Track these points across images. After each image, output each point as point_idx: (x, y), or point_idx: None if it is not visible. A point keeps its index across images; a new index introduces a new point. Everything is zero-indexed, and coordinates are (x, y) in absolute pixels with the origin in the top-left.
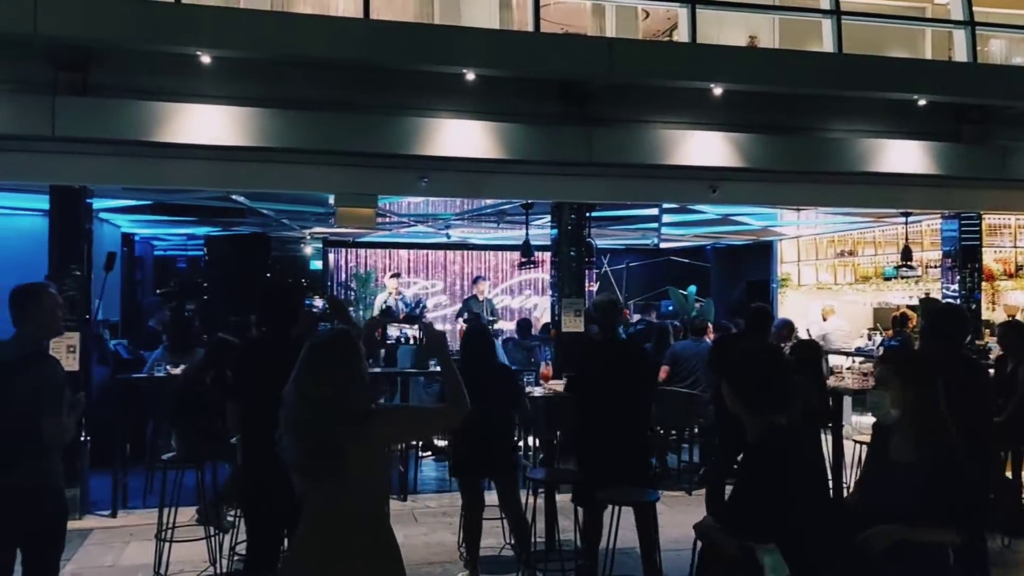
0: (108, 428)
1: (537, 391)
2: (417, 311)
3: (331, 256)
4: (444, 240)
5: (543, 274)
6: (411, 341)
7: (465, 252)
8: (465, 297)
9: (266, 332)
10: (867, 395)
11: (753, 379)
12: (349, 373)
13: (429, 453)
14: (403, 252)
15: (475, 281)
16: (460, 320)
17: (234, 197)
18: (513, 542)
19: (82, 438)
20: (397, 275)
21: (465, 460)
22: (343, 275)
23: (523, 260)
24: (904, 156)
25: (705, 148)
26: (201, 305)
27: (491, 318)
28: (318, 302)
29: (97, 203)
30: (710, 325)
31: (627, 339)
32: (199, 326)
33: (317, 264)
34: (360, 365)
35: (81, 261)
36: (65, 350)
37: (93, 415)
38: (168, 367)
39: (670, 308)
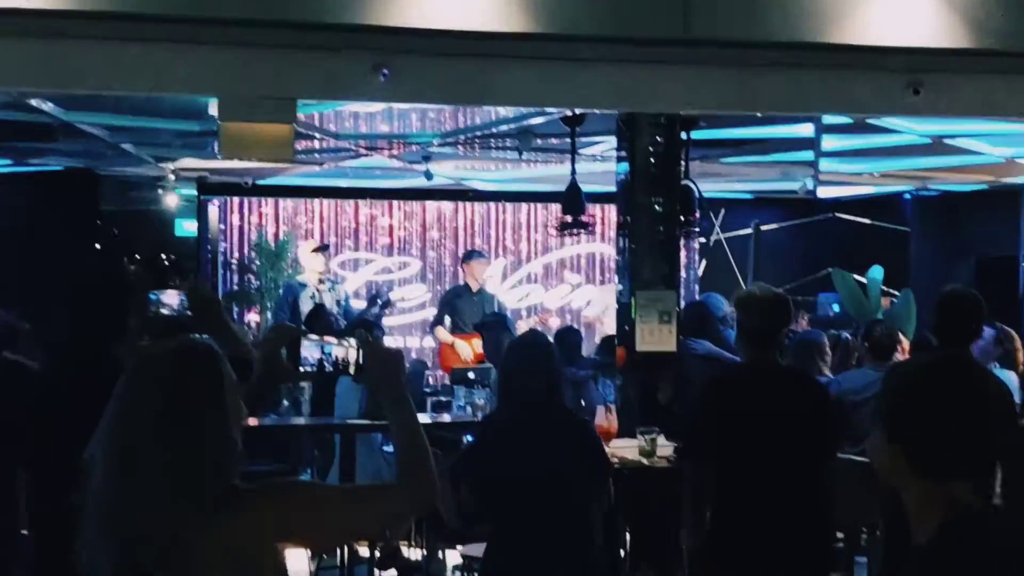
0: None
1: None
2: (375, 310)
3: (213, 211)
4: (420, 184)
5: (603, 246)
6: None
7: (459, 206)
8: (448, 288)
9: (64, 351)
10: None
11: (929, 421)
12: (207, 420)
13: (389, 570)
14: (345, 206)
15: (465, 259)
16: (438, 330)
17: (35, 103)
18: None
19: None
20: (323, 247)
21: None
22: (235, 246)
23: (565, 220)
24: None
25: (899, 16)
26: None
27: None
28: (171, 298)
29: None
30: (903, 340)
31: (793, 367)
32: None
33: (188, 226)
34: (231, 405)
35: None
36: None
37: None
38: None
39: (834, 308)
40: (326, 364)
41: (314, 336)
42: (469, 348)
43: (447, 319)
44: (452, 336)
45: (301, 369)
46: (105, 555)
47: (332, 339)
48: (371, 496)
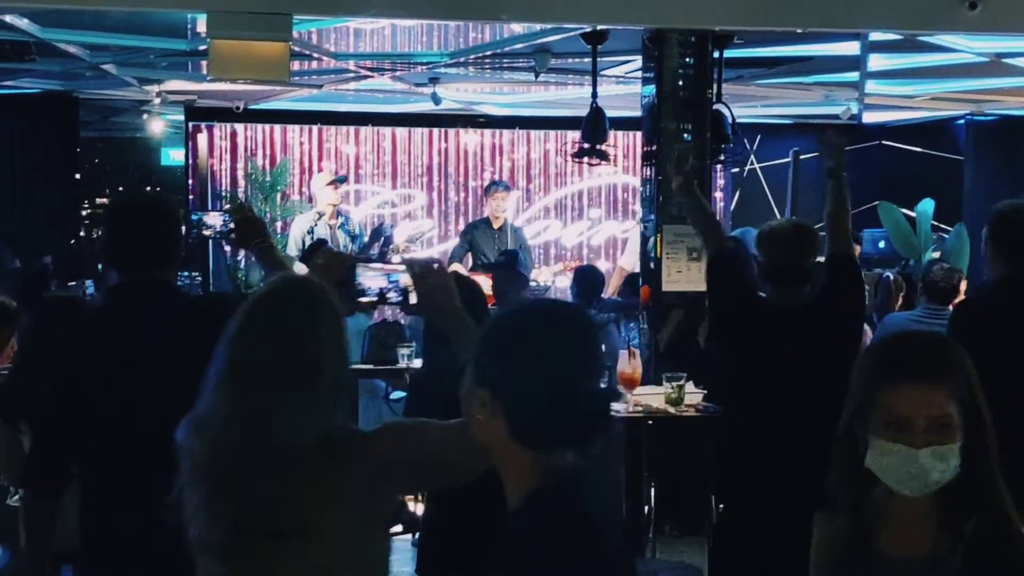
0: None
1: (615, 408)
2: (377, 246)
3: (202, 138)
4: (427, 109)
5: (626, 177)
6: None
7: (470, 134)
8: (468, 223)
9: (111, 282)
10: None
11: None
12: (324, 361)
13: (398, 528)
14: (345, 133)
15: (488, 190)
16: (453, 267)
17: (8, 19)
18: None
19: None
20: (341, 180)
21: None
22: (226, 175)
23: (584, 147)
24: None
25: None
26: None
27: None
28: (213, 219)
29: None
30: (963, 281)
31: (825, 302)
32: None
33: (175, 154)
34: (345, 346)
35: None
36: None
37: None
38: None
39: (880, 245)
40: (393, 294)
41: (377, 264)
42: (488, 286)
43: (467, 254)
44: (468, 273)
45: (364, 300)
46: (213, 513)
47: (399, 266)
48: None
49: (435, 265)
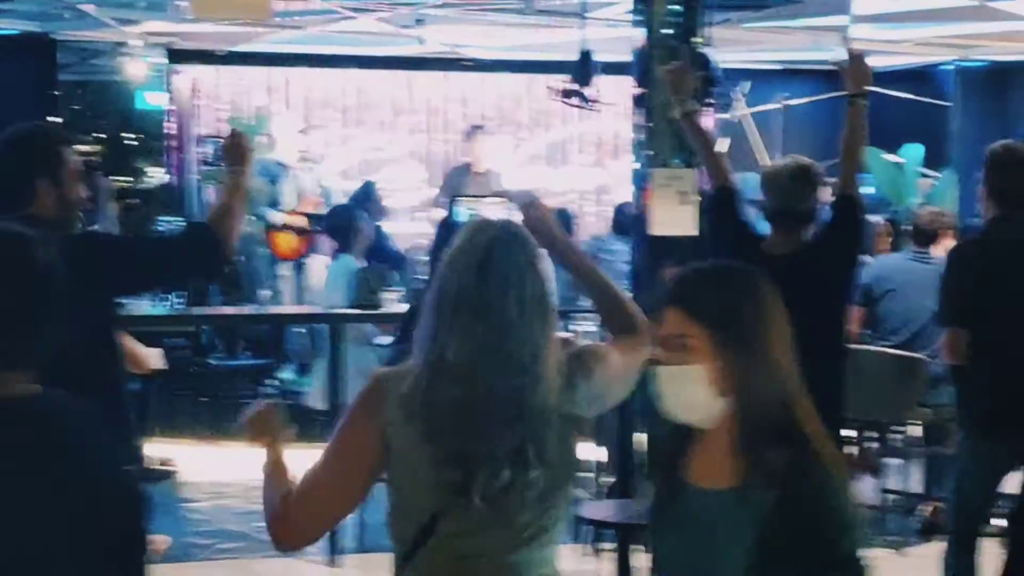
0: None
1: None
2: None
3: (183, 81)
4: (413, 52)
5: (616, 122)
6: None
7: (451, 79)
8: (451, 169)
9: None
10: None
11: None
12: (549, 295)
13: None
14: (329, 76)
15: (470, 135)
16: (435, 213)
17: None
18: None
19: None
20: (310, 128)
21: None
22: (209, 120)
23: (568, 88)
24: None
25: None
26: None
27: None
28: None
29: None
30: (954, 225)
31: (821, 245)
32: None
33: (156, 99)
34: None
35: None
36: None
37: None
38: None
39: (868, 190)
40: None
41: (474, 198)
42: None
43: (451, 200)
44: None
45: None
46: (467, 456)
47: (497, 200)
48: (633, 349)
49: (534, 198)
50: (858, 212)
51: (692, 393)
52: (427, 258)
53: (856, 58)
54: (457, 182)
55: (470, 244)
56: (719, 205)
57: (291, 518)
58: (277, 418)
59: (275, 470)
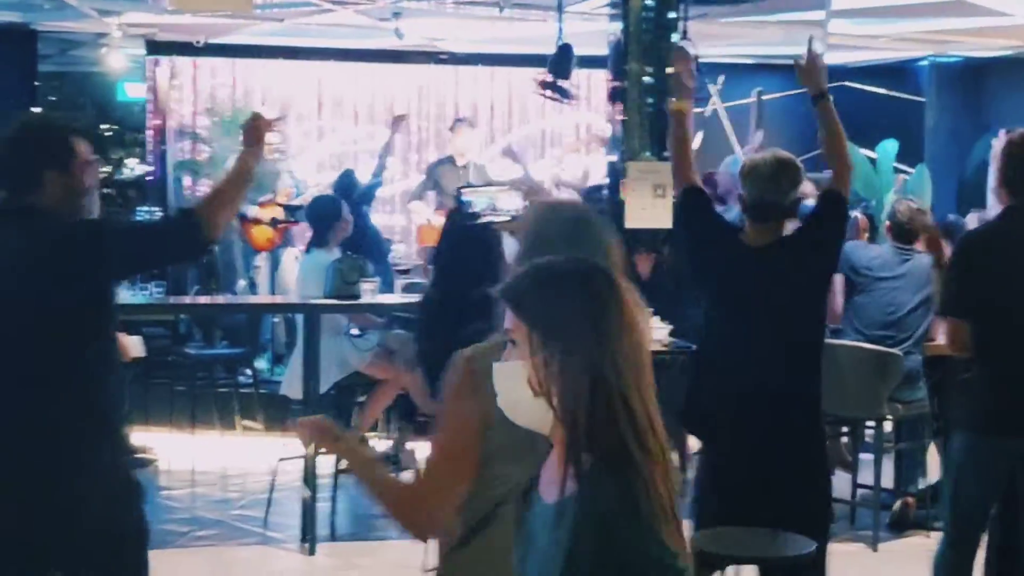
0: None
1: None
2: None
3: (162, 73)
4: (390, 45)
5: (590, 115)
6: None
7: (433, 69)
8: (432, 162)
9: None
10: None
11: None
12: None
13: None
14: (307, 68)
15: (454, 127)
16: (412, 205)
17: None
18: None
19: None
20: (279, 119)
21: None
22: (187, 112)
23: (547, 81)
24: None
25: None
26: None
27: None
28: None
29: None
30: (930, 223)
31: (799, 239)
32: None
33: (135, 90)
34: None
35: None
36: None
37: None
38: None
39: None
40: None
41: (483, 187)
42: None
43: (429, 194)
44: (431, 212)
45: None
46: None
47: (504, 187)
48: None
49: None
50: (844, 208)
51: (514, 392)
52: (433, 249)
53: (810, 59)
54: (439, 174)
55: (553, 223)
56: (691, 204)
57: (424, 505)
58: (327, 426)
59: (362, 467)
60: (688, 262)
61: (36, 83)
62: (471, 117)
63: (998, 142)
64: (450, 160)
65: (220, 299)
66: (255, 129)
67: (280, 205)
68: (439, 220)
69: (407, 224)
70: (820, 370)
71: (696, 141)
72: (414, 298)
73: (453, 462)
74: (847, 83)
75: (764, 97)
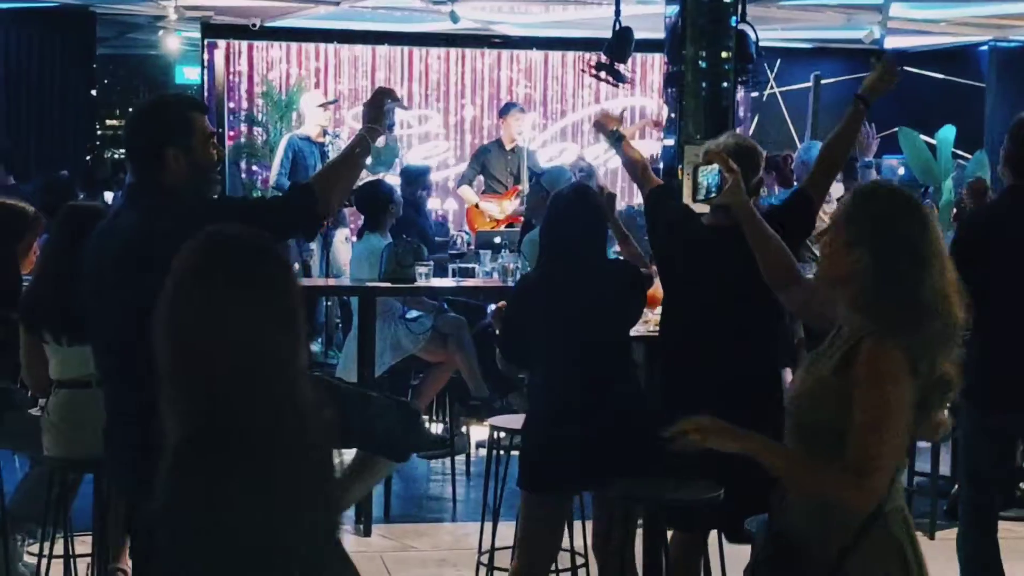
0: None
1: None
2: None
3: (218, 56)
4: (445, 28)
5: (645, 99)
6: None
7: (484, 56)
8: (480, 147)
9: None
10: None
11: None
12: None
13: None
14: (362, 52)
15: (503, 112)
16: (461, 189)
17: None
18: None
19: None
20: (332, 102)
21: (550, 461)
22: (242, 95)
23: (602, 63)
24: None
25: None
26: None
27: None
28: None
29: None
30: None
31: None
32: None
33: (190, 72)
34: None
35: None
36: None
37: None
38: None
39: (900, 172)
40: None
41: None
42: (498, 209)
43: (478, 178)
44: (478, 196)
45: None
46: None
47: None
48: None
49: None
50: (812, 211)
51: None
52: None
53: (889, 67)
54: (486, 159)
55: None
56: (657, 200)
57: (871, 480)
58: (719, 426)
59: (777, 454)
60: (655, 249)
61: (94, 65)
62: (523, 102)
63: None
64: (498, 144)
65: None
66: (375, 104)
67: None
68: (487, 205)
69: (459, 209)
70: (774, 351)
71: (752, 125)
72: (468, 282)
73: (896, 444)
74: (906, 68)
75: (822, 81)
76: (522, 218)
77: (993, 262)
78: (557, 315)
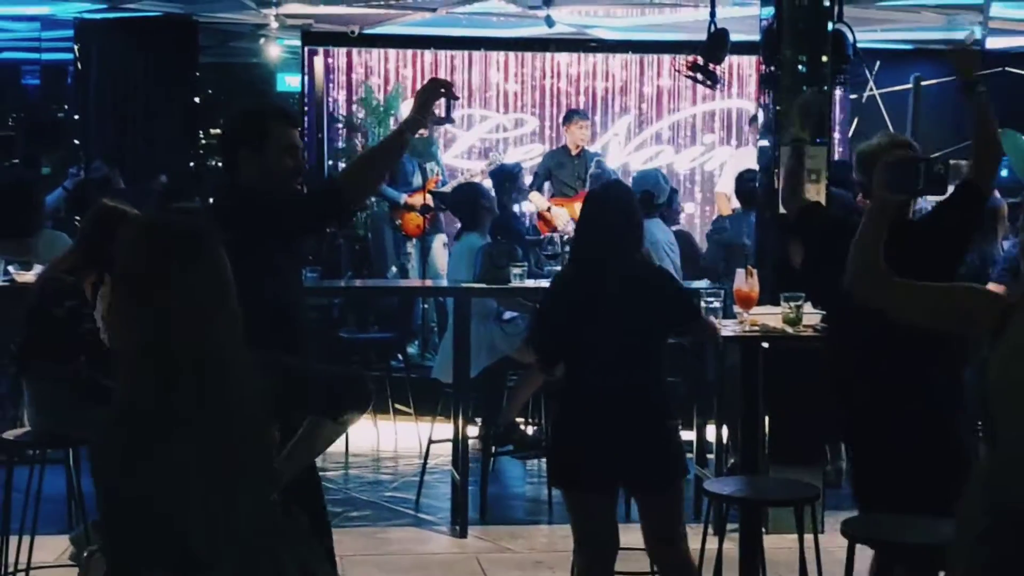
0: None
1: (728, 327)
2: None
3: (318, 63)
4: (540, 33)
5: (741, 102)
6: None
7: (579, 59)
8: (546, 152)
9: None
10: None
11: None
12: None
13: (507, 447)
14: (456, 56)
15: (566, 120)
16: (532, 196)
17: None
18: None
19: None
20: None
21: (581, 460)
22: (340, 100)
23: (697, 64)
24: None
25: None
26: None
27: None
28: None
29: None
30: None
31: (936, 224)
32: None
33: (291, 80)
34: None
35: None
36: None
37: None
38: (9, 269)
39: (1002, 173)
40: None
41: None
42: (567, 213)
43: (546, 184)
44: (548, 201)
45: None
46: None
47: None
48: None
49: None
50: (981, 203)
51: None
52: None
53: (961, 49)
54: (552, 164)
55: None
56: (810, 215)
57: None
58: None
59: None
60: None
61: (196, 74)
62: (620, 104)
63: None
64: (564, 150)
65: (372, 283)
66: (428, 97)
67: (429, 192)
68: (558, 210)
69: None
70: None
71: (852, 127)
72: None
73: None
74: (1009, 68)
75: (922, 83)
76: None
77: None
78: (584, 313)
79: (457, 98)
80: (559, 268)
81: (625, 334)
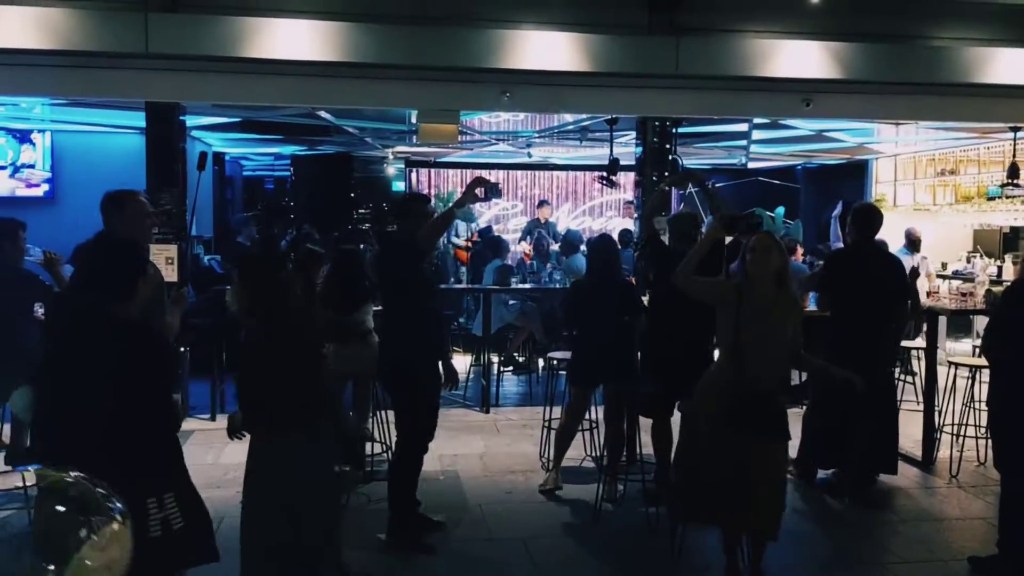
0: (206, 338)
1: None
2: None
3: (413, 176)
4: (525, 160)
5: (625, 195)
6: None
7: (545, 173)
8: (529, 220)
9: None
10: None
11: None
12: None
13: (509, 368)
14: (484, 172)
15: (539, 205)
16: (521, 245)
17: (320, 114)
18: (597, 454)
19: (181, 349)
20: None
21: (588, 368)
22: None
23: (602, 176)
24: (1016, 65)
25: (799, 59)
26: (286, 225)
27: (551, 241)
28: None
29: (189, 120)
30: (799, 247)
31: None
32: (288, 244)
33: (399, 185)
34: None
35: (175, 176)
36: (164, 261)
37: (191, 326)
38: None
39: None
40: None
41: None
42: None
43: (529, 236)
44: (529, 247)
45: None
46: None
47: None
48: None
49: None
50: (720, 246)
51: None
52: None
53: (688, 172)
54: (531, 228)
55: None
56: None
57: None
58: None
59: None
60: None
61: (352, 182)
62: (563, 198)
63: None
64: (536, 221)
65: (445, 287)
66: (471, 188)
67: (470, 241)
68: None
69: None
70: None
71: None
72: (526, 287)
73: None
74: (761, 178)
75: (717, 185)
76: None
77: (843, 286)
78: (590, 302)
79: (497, 187)
80: (546, 280)
81: (611, 314)
